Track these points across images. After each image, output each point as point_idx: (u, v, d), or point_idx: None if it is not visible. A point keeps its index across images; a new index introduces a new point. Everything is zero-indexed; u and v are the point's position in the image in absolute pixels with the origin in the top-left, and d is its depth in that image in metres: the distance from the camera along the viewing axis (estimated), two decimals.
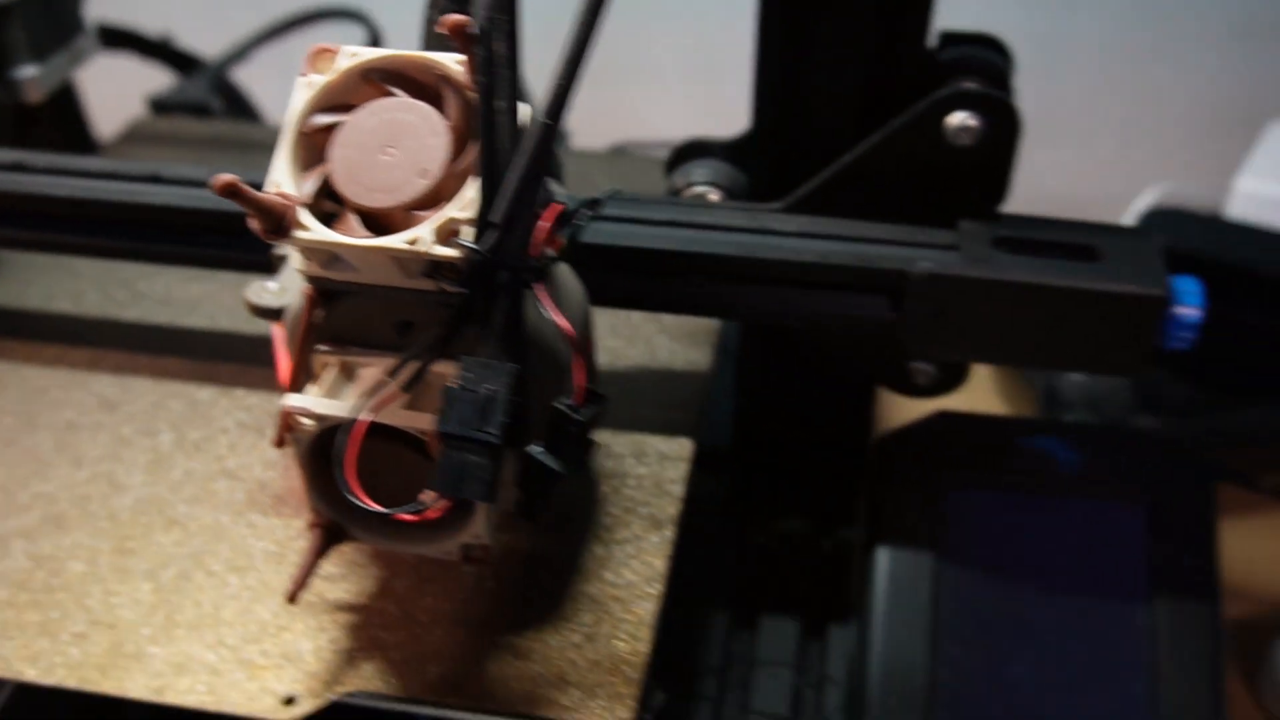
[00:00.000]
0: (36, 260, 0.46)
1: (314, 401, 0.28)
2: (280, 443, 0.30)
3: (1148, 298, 0.33)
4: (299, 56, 0.28)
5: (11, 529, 0.35)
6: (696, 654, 0.40)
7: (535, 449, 0.26)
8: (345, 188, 0.27)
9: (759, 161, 0.37)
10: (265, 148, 0.28)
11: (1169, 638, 0.37)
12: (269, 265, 0.35)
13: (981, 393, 0.59)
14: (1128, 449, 0.40)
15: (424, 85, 0.28)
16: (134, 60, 0.61)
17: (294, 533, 0.35)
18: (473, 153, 0.26)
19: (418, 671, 0.31)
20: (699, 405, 0.39)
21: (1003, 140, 0.34)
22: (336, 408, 0.28)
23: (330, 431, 0.28)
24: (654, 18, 0.77)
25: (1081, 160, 0.78)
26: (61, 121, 0.54)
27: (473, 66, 0.26)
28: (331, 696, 0.31)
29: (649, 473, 0.37)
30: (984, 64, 0.35)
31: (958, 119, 0.33)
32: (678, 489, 0.36)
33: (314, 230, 0.27)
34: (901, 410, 0.43)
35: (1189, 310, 0.33)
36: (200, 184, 0.37)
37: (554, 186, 0.29)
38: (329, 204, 0.28)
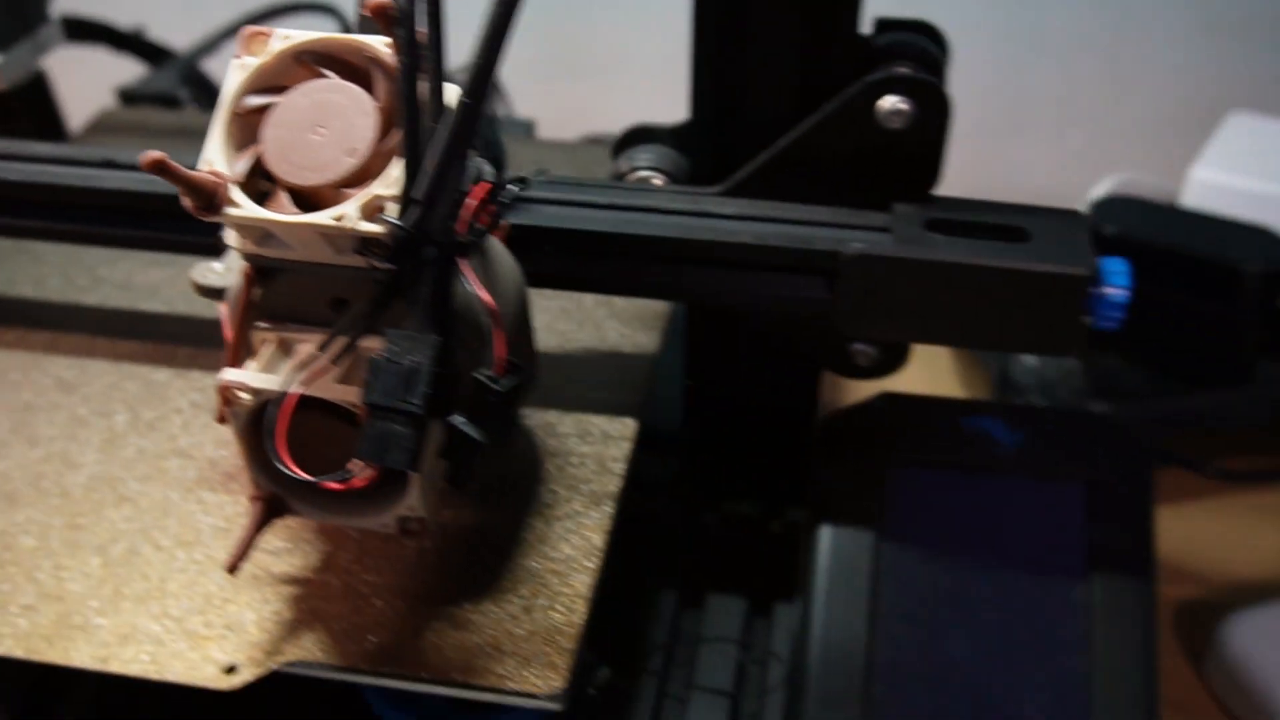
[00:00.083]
0: (1, 246, 0.46)
1: (250, 376, 0.29)
2: (223, 418, 0.31)
3: (1073, 277, 0.33)
4: None
5: None
6: (644, 632, 0.41)
7: (458, 419, 0.27)
8: (276, 166, 0.28)
9: (700, 147, 0.38)
10: None
11: (1104, 613, 0.38)
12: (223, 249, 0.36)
13: (939, 378, 0.60)
14: (1067, 429, 0.41)
15: (355, 67, 0.29)
16: (108, 53, 0.62)
17: (242, 509, 0.36)
18: (400, 133, 0.27)
19: (357, 642, 0.32)
20: (644, 387, 0.40)
21: (933, 124, 0.34)
22: (271, 381, 0.29)
23: (267, 406, 0.29)
24: (631, 11, 0.78)
25: (1052, 151, 0.79)
26: (33, 113, 0.55)
27: (396, 48, 0.26)
28: (272, 666, 0.32)
29: (592, 451, 0.37)
30: (917, 50, 0.36)
31: (889, 103, 0.34)
32: (619, 467, 0.37)
33: (244, 207, 0.27)
34: (858, 394, 0.43)
35: (1116, 290, 0.34)
36: None
37: (485, 167, 0.30)
38: (264, 184, 0.29)
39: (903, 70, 0.34)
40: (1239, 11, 0.74)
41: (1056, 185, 0.66)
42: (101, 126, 0.54)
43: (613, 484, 0.36)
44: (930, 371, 0.60)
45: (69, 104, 0.58)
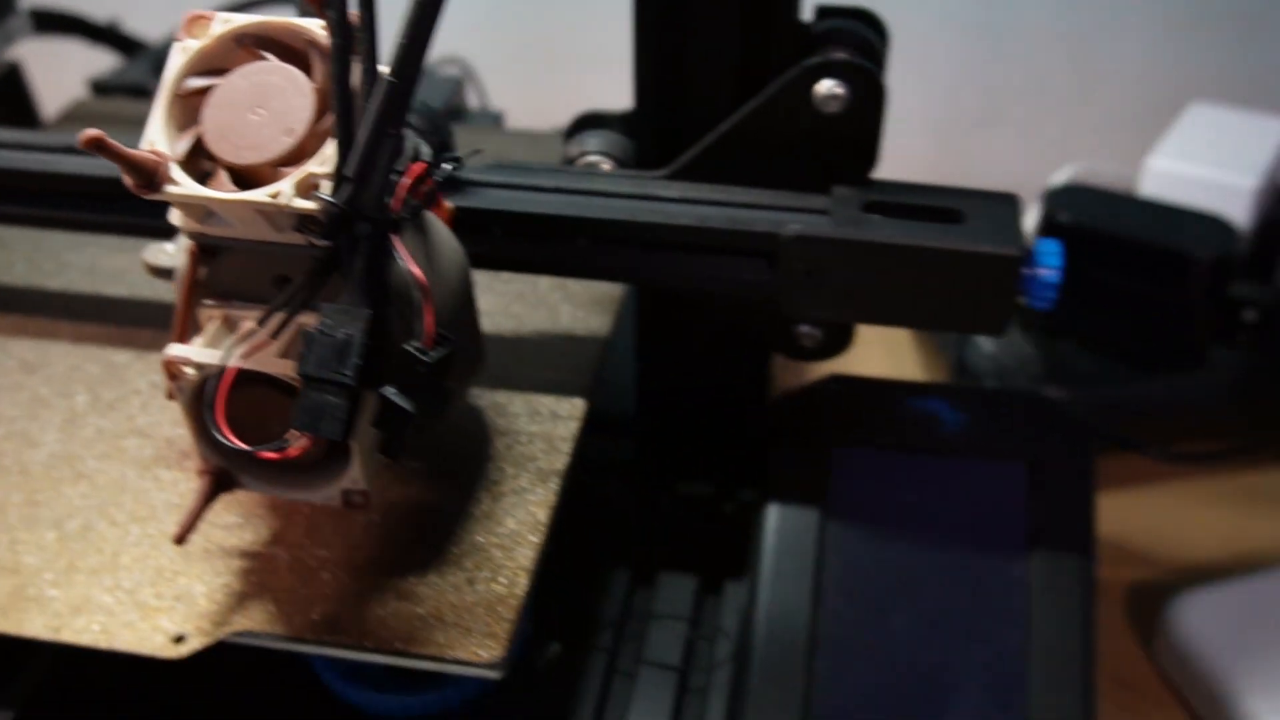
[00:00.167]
0: None
1: (194, 351, 0.30)
2: (171, 395, 0.31)
3: (1005, 257, 0.34)
4: None
5: None
6: (596, 610, 0.42)
7: (389, 390, 0.27)
8: (216, 146, 0.29)
9: (646, 132, 0.38)
10: None
11: (1043, 590, 0.39)
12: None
13: (901, 364, 0.61)
14: (1009, 410, 0.41)
15: (295, 50, 0.29)
16: (86, 46, 0.63)
17: (196, 486, 0.36)
18: None
19: (303, 613, 0.33)
20: (594, 368, 0.40)
21: (869, 108, 0.35)
22: (214, 356, 0.30)
23: (209, 380, 0.30)
24: (608, 6, 0.78)
25: (1025, 142, 0.80)
26: (7, 104, 0.56)
27: (328, 29, 0.27)
28: (220, 635, 0.32)
29: (541, 430, 0.38)
30: (856, 36, 0.36)
31: (825, 87, 0.35)
32: (567, 445, 0.38)
33: (184, 185, 0.28)
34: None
35: (1047, 271, 0.35)
36: None
37: (423, 147, 0.30)
38: (206, 164, 0.30)
39: (839, 55, 0.35)
40: (1200, 7, 0.75)
41: (1030, 175, 0.67)
42: (74, 117, 0.55)
43: (560, 462, 0.37)
44: (894, 359, 0.61)
45: (50, 96, 0.59)
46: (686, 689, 0.40)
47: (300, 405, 0.27)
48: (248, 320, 0.31)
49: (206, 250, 0.31)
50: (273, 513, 0.36)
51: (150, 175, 0.28)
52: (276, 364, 0.29)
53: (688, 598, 0.43)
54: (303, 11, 0.31)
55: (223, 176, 0.29)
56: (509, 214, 0.36)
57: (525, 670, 0.40)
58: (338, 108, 0.27)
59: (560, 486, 0.36)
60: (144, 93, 0.56)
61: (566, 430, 0.38)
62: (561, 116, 0.44)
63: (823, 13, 0.38)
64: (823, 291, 0.36)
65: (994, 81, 0.80)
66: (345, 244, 0.28)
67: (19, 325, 0.42)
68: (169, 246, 0.35)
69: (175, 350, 0.30)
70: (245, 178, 0.29)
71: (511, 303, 0.43)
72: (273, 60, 0.29)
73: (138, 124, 0.29)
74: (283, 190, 0.28)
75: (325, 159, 0.28)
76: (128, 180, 0.28)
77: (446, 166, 0.30)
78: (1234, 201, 0.54)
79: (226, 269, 0.31)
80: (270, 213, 0.28)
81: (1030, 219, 0.56)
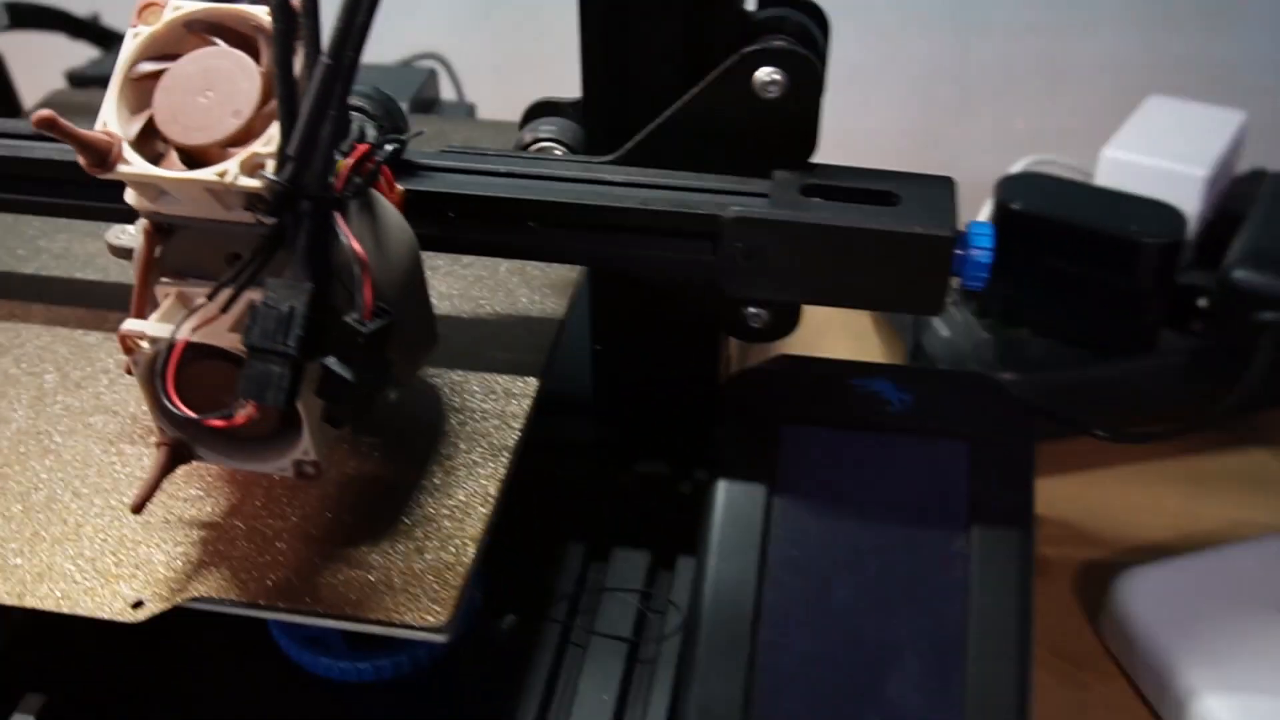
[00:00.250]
0: None
1: (148, 325, 0.31)
2: (129, 369, 0.33)
3: (937, 238, 0.35)
4: None
5: None
6: (552, 585, 0.43)
7: (330, 360, 0.29)
8: (166, 127, 0.30)
9: (595, 119, 0.40)
10: None
11: (982, 562, 0.40)
12: None
13: (864, 350, 0.62)
14: (953, 390, 0.43)
15: (243, 35, 0.31)
16: (66, 39, 0.64)
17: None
18: None
19: (258, 580, 0.34)
20: (549, 349, 0.42)
21: (807, 94, 0.36)
22: (167, 330, 0.31)
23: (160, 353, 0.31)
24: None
25: (995, 133, 0.82)
26: None
27: (271, 13, 0.28)
28: (177, 601, 0.34)
29: (494, 408, 0.39)
30: (795, 25, 0.38)
31: (764, 73, 0.36)
32: (519, 422, 0.39)
33: (135, 164, 0.29)
34: None
35: (979, 251, 0.36)
36: None
37: (369, 129, 0.32)
38: (160, 145, 0.31)
39: (778, 43, 0.36)
40: (1165, 3, 0.76)
41: (1004, 166, 0.68)
42: (49, 106, 0.56)
43: (511, 437, 0.38)
44: (858, 346, 0.63)
45: (29, 89, 0.61)
46: (637, 659, 0.41)
47: (245, 375, 0.28)
48: (201, 296, 0.32)
49: (161, 229, 0.32)
50: (232, 485, 0.37)
51: (103, 155, 0.29)
52: (225, 337, 0.30)
53: (641, 573, 0.44)
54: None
55: (174, 157, 0.30)
56: (462, 197, 0.38)
57: (480, 641, 0.41)
58: (280, 90, 0.28)
59: (511, 461, 0.37)
60: None
61: (519, 407, 0.39)
62: None
63: (764, 2, 0.39)
64: (763, 272, 0.37)
65: (967, 75, 0.81)
66: (290, 221, 0.29)
67: None
68: (130, 228, 0.36)
69: (130, 325, 0.31)
70: (195, 158, 0.30)
71: (471, 286, 0.45)
72: (221, 45, 0.30)
73: None
74: (229, 169, 0.29)
75: (270, 139, 0.29)
76: (82, 160, 0.29)
77: (389, 147, 0.31)
78: (1186, 190, 0.56)
79: (181, 247, 0.32)
80: (218, 191, 0.29)
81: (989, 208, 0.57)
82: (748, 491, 0.41)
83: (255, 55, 0.30)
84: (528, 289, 0.45)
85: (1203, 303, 0.53)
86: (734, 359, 0.49)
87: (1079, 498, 0.54)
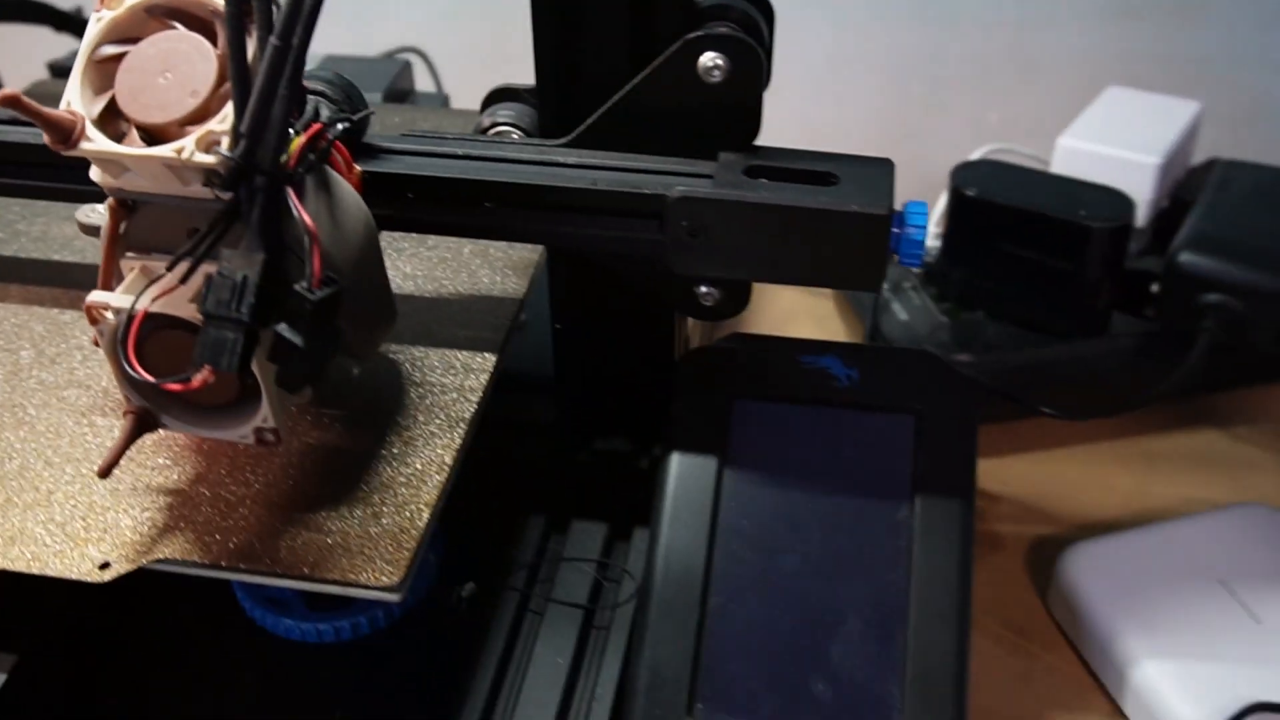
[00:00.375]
0: None
1: (112, 296, 0.33)
2: (96, 341, 0.34)
3: (874, 216, 0.37)
4: None
5: None
6: (511, 555, 0.45)
7: (281, 326, 0.30)
8: (127, 107, 0.31)
9: (549, 104, 0.41)
10: None
11: (924, 531, 0.41)
12: None
13: (828, 332, 0.64)
14: (898, 365, 0.44)
15: (201, 20, 0.32)
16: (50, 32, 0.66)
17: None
18: None
19: (221, 543, 0.36)
20: (508, 326, 0.43)
21: (749, 78, 0.38)
22: (130, 300, 0.32)
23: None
24: None
25: (964, 125, 0.83)
26: None
27: None
28: (142, 562, 0.35)
29: (453, 382, 0.41)
30: (739, 13, 0.39)
31: (708, 59, 0.37)
32: (476, 395, 0.40)
33: (97, 141, 0.31)
34: None
35: (914, 229, 0.38)
36: None
37: (323, 109, 0.33)
38: (123, 125, 0.33)
39: (720, 29, 0.38)
40: None
41: (970, 156, 0.70)
42: (31, 95, 0.57)
43: (469, 410, 0.40)
44: (821, 329, 0.64)
45: (18, 80, 0.62)
46: (592, 625, 0.43)
47: (201, 340, 0.30)
48: (163, 269, 0.33)
49: (126, 206, 0.34)
50: (198, 454, 0.39)
51: (67, 133, 0.31)
52: (184, 306, 0.32)
53: (598, 543, 0.45)
54: None
55: (135, 135, 0.32)
56: (420, 178, 0.39)
57: (439, 607, 0.42)
58: (233, 70, 0.30)
59: (467, 431, 0.39)
60: None
61: (477, 382, 0.41)
62: None
63: None
64: (708, 250, 0.38)
65: (937, 67, 0.83)
66: (244, 195, 0.30)
67: None
68: (100, 207, 0.38)
69: (95, 296, 0.33)
70: (155, 136, 0.32)
71: (435, 267, 0.46)
72: (180, 29, 0.32)
73: None
74: (186, 146, 0.30)
75: (225, 118, 0.30)
76: (47, 137, 0.31)
77: (340, 126, 0.33)
78: (1138, 178, 0.57)
79: (144, 223, 0.34)
80: (176, 167, 0.31)
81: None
82: (700, 463, 0.42)
83: (212, 39, 0.32)
84: (489, 270, 0.46)
85: (1155, 288, 0.54)
86: (699, 343, 0.51)
87: (1033, 476, 0.55)
